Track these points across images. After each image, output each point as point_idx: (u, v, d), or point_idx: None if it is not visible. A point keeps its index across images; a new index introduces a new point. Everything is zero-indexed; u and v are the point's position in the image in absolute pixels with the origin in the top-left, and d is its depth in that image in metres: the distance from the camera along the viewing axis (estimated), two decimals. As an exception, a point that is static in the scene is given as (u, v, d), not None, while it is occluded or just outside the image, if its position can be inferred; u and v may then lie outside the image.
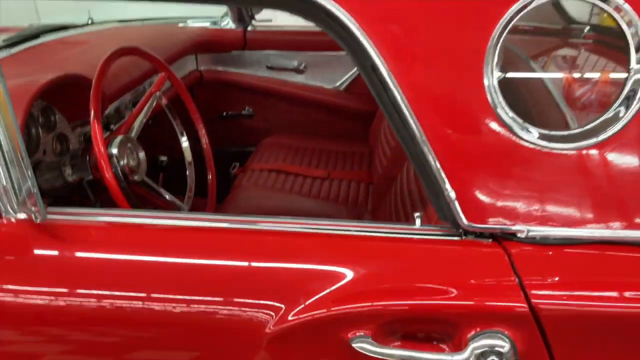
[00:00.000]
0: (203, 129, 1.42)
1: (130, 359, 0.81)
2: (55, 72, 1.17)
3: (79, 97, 1.23)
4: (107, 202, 1.09)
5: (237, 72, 2.15)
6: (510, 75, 0.71)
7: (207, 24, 2.18)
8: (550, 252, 0.72)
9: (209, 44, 2.07)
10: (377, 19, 0.69)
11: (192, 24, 2.20)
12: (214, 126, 1.85)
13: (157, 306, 0.77)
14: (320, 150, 1.98)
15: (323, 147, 2.00)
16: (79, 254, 0.79)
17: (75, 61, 1.36)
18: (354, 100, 2.11)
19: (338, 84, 2.15)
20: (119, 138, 1.13)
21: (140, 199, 1.16)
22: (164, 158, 1.48)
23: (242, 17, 2.07)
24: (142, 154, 1.19)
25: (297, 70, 2.12)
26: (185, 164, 1.40)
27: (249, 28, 2.10)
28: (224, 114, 2.21)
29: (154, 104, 1.26)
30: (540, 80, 0.76)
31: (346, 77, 2.13)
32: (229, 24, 2.14)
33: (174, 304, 0.77)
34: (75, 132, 1.32)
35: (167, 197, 1.25)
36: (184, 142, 1.40)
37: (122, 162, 1.11)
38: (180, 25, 2.20)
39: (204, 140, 1.42)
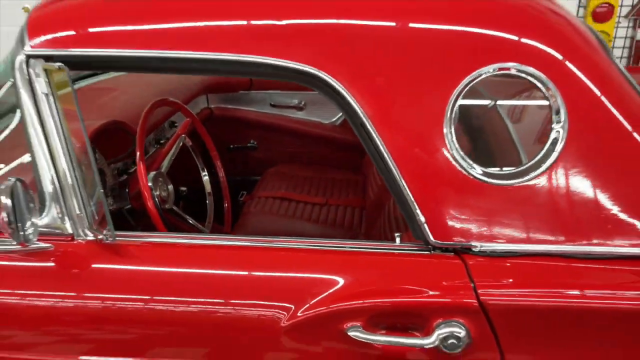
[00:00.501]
0: (220, 163, 1.66)
1: (177, 352, 1.04)
2: (99, 118, 1.41)
3: (114, 138, 1.46)
4: (145, 227, 1.32)
5: (243, 110, 2.40)
6: (462, 125, 0.96)
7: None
8: (497, 262, 0.96)
9: (220, 85, 2.33)
10: (366, 90, 0.94)
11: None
12: (222, 157, 2.10)
13: (194, 308, 0.99)
14: (318, 178, 2.21)
15: (321, 175, 2.24)
16: (141, 267, 1.02)
17: (111, 107, 1.60)
18: (348, 134, 2.35)
19: (334, 119, 2.41)
20: (153, 174, 1.36)
21: (170, 224, 1.40)
22: (184, 188, 1.72)
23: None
24: (170, 186, 1.42)
25: (298, 108, 2.37)
26: (204, 194, 1.63)
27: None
28: (231, 146, 2.45)
29: (180, 144, 1.50)
30: (486, 129, 1.01)
31: (340, 113, 2.38)
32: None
33: (209, 306, 0.99)
34: (109, 168, 1.55)
35: (191, 222, 1.48)
36: (205, 176, 1.64)
37: (156, 193, 1.34)
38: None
39: (221, 173, 1.66)
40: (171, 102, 1.50)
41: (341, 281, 0.97)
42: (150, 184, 1.33)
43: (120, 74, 2.16)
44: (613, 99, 0.94)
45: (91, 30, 0.99)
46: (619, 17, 4.17)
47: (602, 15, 4.14)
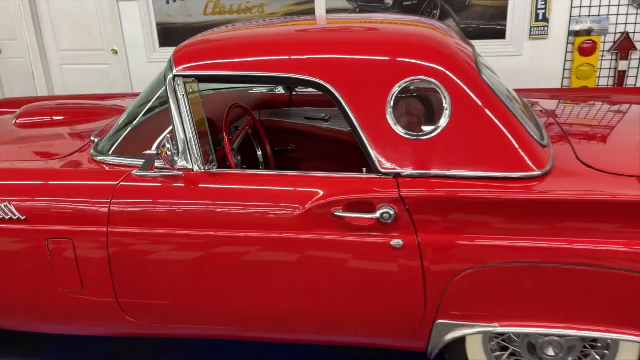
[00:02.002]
0: (268, 143, 2.59)
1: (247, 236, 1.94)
2: (212, 111, 2.34)
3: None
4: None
5: (285, 121, 3.33)
6: (396, 109, 1.84)
7: (265, 91, 3.39)
8: (415, 180, 1.82)
9: (268, 103, 3.27)
10: (350, 90, 1.85)
11: (256, 90, 3.42)
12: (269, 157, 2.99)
13: (258, 210, 1.90)
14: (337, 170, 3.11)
15: (339, 169, 3.13)
16: (230, 186, 1.93)
17: (217, 106, 2.54)
18: None
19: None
20: (233, 147, 2.29)
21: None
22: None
23: (289, 87, 3.28)
24: (239, 157, 2.35)
25: (324, 120, 3.28)
26: (258, 164, 2.55)
27: (294, 93, 3.31)
28: (275, 149, 3.37)
29: (246, 133, 2.44)
30: (409, 111, 1.89)
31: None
32: (280, 90, 3.35)
33: (269, 209, 1.89)
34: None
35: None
36: (259, 152, 2.56)
37: (234, 155, 2.27)
38: (250, 91, 3.42)
39: (268, 147, 2.58)
40: (242, 106, 2.45)
41: (332, 189, 1.85)
42: (233, 147, 2.25)
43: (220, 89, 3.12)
44: (477, 94, 1.81)
45: (207, 62, 1.95)
46: (603, 51, 4.95)
47: (587, 50, 4.94)
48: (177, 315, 2.06)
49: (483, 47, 5.13)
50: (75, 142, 2.41)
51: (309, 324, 1.99)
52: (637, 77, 4.97)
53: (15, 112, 2.87)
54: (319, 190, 1.84)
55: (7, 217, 2.02)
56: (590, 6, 4.86)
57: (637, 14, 4.80)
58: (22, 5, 5.75)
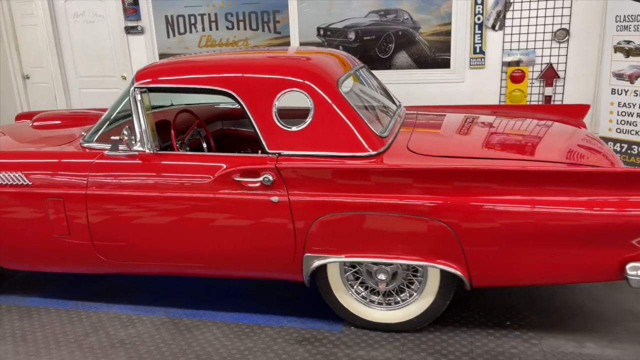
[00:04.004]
0: (212, 140, 3.49)
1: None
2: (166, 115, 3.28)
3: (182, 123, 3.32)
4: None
5: (243, 130, 4.23)
6: (279, 112, 2.73)
7: (229, 105, 4.31)
8: (286, 159, 2.69)
9: (231, 114, 4.18)
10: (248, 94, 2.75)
11: (222, 105, 4.34)
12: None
13: (182, 182, 2.79)
14: None
15: None
16: (169, 162, 2.84)
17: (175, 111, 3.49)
18: None
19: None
20: (184, 141, 3.20)
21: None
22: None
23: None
24: (187, 147, 3.24)
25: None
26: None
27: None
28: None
29: (199, 134, 3.35)
30: (287, 113, 2.79)
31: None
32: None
33: (187, 180, 2.78)
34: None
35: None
36: (204, 144, 3.46)
37: (183, 146, 3.16)
38: (216, 106, 4.34)
39: (212, 141, 3.48)
40: (189, 110, 3.38)
41: (233, 163, 2.72)
42: (177, 144, 3.16)
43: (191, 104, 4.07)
44: (333, 100, 2.69)
45: (155, 79, 2.87)
46: (532, 79, 5.79)
47: (517, 78, 5.78)
48: (134, 255, 2.93)
49: (432, 75, 6.05)
50: (72, 136, 3.35)
51: (220, 261, 2.84)
52: (562, 100, 5.79)
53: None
54: (224, 164, 2.72)
55: (19, 183, 2.94)
56: (519, 41, 5.73)
57: (559, 47, 5.64)
58: (48, 38, 6.86)
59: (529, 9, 5.63)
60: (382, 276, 2.72)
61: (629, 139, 4.97)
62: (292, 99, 2.74)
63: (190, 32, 6.40)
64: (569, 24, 5.56)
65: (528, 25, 5.68)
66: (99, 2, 6.64)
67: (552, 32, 5.63)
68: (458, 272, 2.55)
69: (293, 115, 2.97)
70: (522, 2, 5.62)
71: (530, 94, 5.81)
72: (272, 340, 2.77)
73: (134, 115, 2.86)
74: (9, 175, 2.96)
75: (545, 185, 2.40)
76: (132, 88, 2.87)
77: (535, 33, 5.67)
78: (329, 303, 2.84)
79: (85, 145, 3.05)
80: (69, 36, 6.89)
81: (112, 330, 2.93)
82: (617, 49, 4.90)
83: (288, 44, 6.20)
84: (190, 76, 2.85)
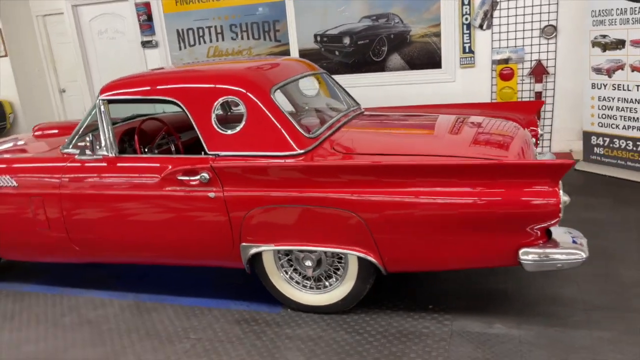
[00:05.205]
0: (179, 142, 3.88)
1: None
2: (133, 125, 3.70)
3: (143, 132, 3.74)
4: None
5: None
6: (217, 117, 3.08)
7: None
8: (222, 159, 3.03)
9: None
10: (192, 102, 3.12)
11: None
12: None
13: (143, 181, 3.18)
14: None
15: None
16: (126, 164, 3.25)
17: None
18: None
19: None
20: (153, 145, 3.61)
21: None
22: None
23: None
24: (156, 150, 3.64)
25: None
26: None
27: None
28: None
29: (167, 139, 3.75)
30: (224, 118, 3.12)
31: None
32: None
33: (145, 180, 3.18)
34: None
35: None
36: (172, 147, 3.86)
37: (153, 149, 3.57)
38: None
39: (180, 144, 3.88)
40: (157, 118, 3.79)
41: (177, 164, 3.09)
42: (145, 149, 3.56)
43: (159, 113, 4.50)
44: (265, 105, 3.00)
45: (114, 92, 3.28)
46: (522, 76, 5.88)
47: (506, 75, 5.89)
48: (101, 246, 3.36)
49: (424, 76, 6.25)
50: (60, 143, 3.83)
51: (171, 252, 3.21)
52: (553, 97, 5.85)
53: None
54: (169, 165, 3.10)
55: (8, 185, 3.44)
56: (507, 39, 5.84)
57: (547, 44, 5.72)
58: (76, 54, 7.52)
59: (516, 7, 5.74)
60: (308, 262, 3.01)
61: (610, 133, 5.01)
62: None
63: (199, 43, 6.87)
64: (556, 20, 5.63)
65: (516, 23, 5.78)
66: (120, 19, 7.23)
67: (540, 28, 5.71)
68: (372, 259, 2.81)
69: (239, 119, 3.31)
70: (508, 0, 5.73)
71: (521, 90, 5.91)
72: (215, 320, 3.12)
73: (99, 124, 3.28)
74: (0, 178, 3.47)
75: (444, 177, 2.62)
76: (97, 100, 3.29)
77: (523, 30, 5.77)
78: (267, 288, 3.15)
79: (65, 151, 3.50)
80: (94, 51, 7.51)
81: (84, 312, 3.36)
82: (594, 44, 4.96)
83: (288, 51, 6.55)
84: (143, 88, 3.24)
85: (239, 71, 3.23)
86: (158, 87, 3.20)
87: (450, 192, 2.61)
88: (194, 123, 3.08)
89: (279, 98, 3.18)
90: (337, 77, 6.40)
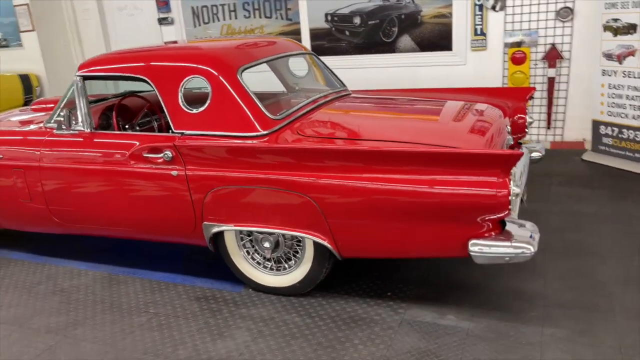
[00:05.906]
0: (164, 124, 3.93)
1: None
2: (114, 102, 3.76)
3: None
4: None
5: None
6: (185, 96, 3.10)
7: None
8: (189, 138, 3.05)
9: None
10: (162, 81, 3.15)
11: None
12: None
13: (113, 158, 3.24)
14: None
15: None
16: (102, 140, 3.31)
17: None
18: None
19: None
20: (135, 122, 3.66)
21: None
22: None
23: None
24: (137, 127, 3.70)
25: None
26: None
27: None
28: None
29: (150, 119, 3.81)
30: (192, 97, 3.14)
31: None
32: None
33: (115, 158, 3.24)
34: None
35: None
36: (155, 124, 3.91)
37: (134, 127, 3.63)
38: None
39: (163, 121, 3.93)
40: (138, 95, 3.84)
41: (144, 141, 3.13)
42: (134, 122, 3.62)
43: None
44: (231, 85, 3.00)
45: (89, 68, 3.34)
46: (535, 60, 5.66)
47: (518, 59, 5.68)
48: (77, 218, 3.46)
49: (434, 58, 6.11)
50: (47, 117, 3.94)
51: (138, 227, 3.27)
52: (568, 83, 5.61)
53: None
54: (137, 142, 3.14)
55: (-6, 157, 3.58)
56: (521, 21, 5.62)
57: (563, 27, 5.47)
58: (95, 30, 7.67)
59: (531, -12, 5.49)
60: (266, 244, 3.01)
61: (620, 123, 4.78)
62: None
63: (213, 21, 6.89)
64: (573, 2, 5.37)
65: (530, 5, 5.55)
66: (139, -4, 7.32)
67: (556, 11, 5.46)
68: (325, 243, 2.79)
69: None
70: (523, -19, 5.50)
71: (534, 75, 5.69)
72: (177, 296, 3.17)
73: (76, 100, 3.36)
74: (-13, 150, 3.61)
75: (395, 165, 2.56)
76: (75, 76, 3.36)
77: (538, 12, 5.54)
78: (229, 267, 3.18)
79: (47, 125, 3.60)
80: (114, 28, 7.65)
81: (60, 281, 3.48)
82: (606, 28, 4.72)
83: (298, 30, 6.50)
84: (115, 66, 3.28)
85: (209, 50, 3.23)
86: (129, 64, 3.23)
87: (401, 180, 2.55)
88: (161, 101, 3.10)
89: (250, 78, 3.16)
90: (347, 58, 6.34)
